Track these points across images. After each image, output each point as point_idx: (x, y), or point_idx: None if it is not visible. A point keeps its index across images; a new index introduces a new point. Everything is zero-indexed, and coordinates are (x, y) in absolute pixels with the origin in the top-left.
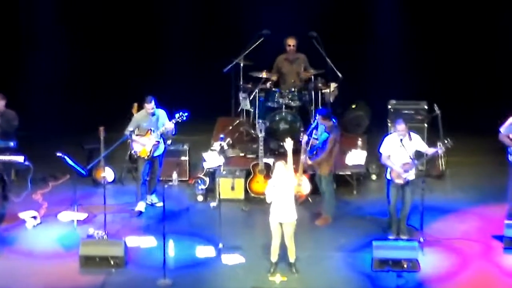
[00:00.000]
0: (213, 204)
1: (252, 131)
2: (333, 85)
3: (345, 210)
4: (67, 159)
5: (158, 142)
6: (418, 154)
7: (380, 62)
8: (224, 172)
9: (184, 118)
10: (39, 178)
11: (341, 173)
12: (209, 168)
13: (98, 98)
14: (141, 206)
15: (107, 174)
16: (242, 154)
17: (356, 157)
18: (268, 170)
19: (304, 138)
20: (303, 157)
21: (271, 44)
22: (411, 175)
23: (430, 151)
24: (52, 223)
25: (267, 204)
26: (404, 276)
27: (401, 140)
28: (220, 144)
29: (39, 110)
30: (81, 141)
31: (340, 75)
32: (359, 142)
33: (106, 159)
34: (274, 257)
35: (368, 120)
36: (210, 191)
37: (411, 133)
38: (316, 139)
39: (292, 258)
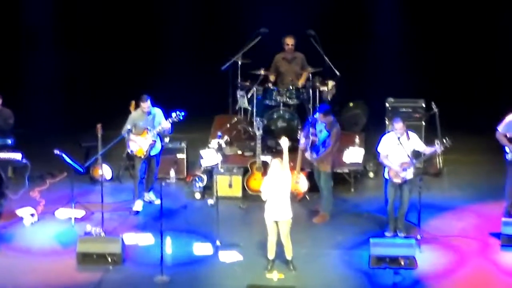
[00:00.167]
0: (210, 201)
1: (250, 129)
2: (330, 83)
3: (342, 208)
4: (65, 156)
5: (155, 141)
6: (416, 153)
7: (379, 61)
8: (222, 170)
9: (181, 118)
10: (37, 176)
11: (338, 170)
12: (206, 166)
13: (96, 97)
14: (138, 206)
15: (105, 171)
16: (239, 152)
17: (354, 155)
18: (265, 168)
19: (302, 140)
20: (308, 153)
21: (269, 43)
22: (409, 174)
23: (428, 150)
24: (50, 220)
25: (264, 201)
26: (401, 273)
27: (398, 138)
28: (218, 142)
29: (37, 108)
30: (79, 138)
31: (338, 73)
32: (357, 140)
33: (103, 156)
34: (271, 255)
35: (365, 118)
36: (208, 189)
37: (409, 132)
38: (315, 135)
39: (289, 256)
